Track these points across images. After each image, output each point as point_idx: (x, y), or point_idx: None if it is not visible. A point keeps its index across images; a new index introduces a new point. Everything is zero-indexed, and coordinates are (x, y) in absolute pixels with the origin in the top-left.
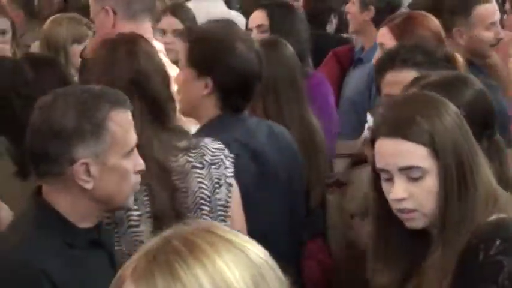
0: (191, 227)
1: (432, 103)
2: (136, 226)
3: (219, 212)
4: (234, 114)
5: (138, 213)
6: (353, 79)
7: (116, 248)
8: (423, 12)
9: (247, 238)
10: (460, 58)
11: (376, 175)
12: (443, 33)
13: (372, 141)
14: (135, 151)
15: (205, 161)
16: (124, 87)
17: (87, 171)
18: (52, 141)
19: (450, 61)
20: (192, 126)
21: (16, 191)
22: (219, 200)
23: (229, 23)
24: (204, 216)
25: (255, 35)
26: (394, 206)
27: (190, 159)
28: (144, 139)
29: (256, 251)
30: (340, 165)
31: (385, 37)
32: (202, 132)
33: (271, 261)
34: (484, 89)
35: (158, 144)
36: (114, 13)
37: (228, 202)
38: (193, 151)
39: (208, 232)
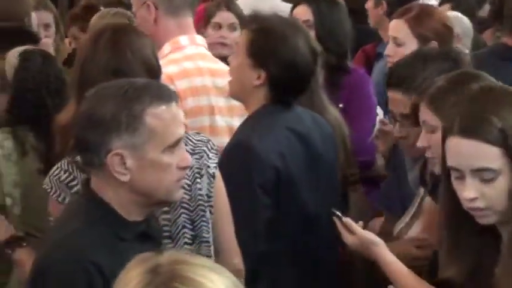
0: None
1: (505, 98)
2: None
3: (199, 202)
4: (282, 105)
5: None
6: (374, 73)
7: None
8: (434, 5)
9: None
10: (467, 58)
11: (447, 171)
12: (452, 27)
13: (443, 138)
14: (181, 146)
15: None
16: (104, 77)
17: (124, 164)
18: (91, 132)
19: (458, 62)
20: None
21: (40, 188)
22: (200, 189)
23: (292, 19)
24: (184, 205)
25: None
26: (466, 205)
27: None
28: None
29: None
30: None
31: (396, 30)
32: (253, 120)
33: None
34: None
35: None
36: (156, 8)
37: (210, 192)
38: None
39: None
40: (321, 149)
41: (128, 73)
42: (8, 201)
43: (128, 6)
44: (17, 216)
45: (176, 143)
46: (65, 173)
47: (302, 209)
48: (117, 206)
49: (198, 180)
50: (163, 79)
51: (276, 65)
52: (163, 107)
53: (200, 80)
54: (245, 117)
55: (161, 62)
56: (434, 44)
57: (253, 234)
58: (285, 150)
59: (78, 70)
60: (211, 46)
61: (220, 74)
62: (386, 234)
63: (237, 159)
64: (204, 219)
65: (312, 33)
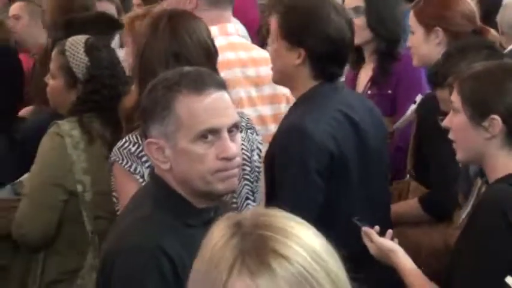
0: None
1: None
2: None
3: (256, 173)
4: (330, 83)
5: None
6: None
7: None
8: None
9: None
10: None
11: None
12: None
13: None
14: (222, 135)
15: (242, 125)
16: (163, 59)
17: (163, 152)
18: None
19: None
20: (283, 105)
21: (108, 176)
22: (255, 161)
23: None
24: (246, 176)
25: None
26: None
27: None
28: None
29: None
30: None
31: (411, 20)
32: (304, 103)
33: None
34: None
35: None
36: None
37: (260, 164)
38: None
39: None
40: (372, 138)
41: (188, 57)
42: (79, 187)
43: None
44: (88, 202)
45: (211, 133)
46: (134, 145)
47: (353, 195)
48: (183, 193)
49: (253, 153)
50: None
51: (313, 38)
52: (195, 96)
53: (230, 73)
54: (275, 104)
55: None
56: (437, 29)
57: (308, 219)
58: (338, 133)
59: (139, 57)
60: None
61: (251, 62)
62: None
63: (291, 143)
64: (260, 190)
65: (363, 20)
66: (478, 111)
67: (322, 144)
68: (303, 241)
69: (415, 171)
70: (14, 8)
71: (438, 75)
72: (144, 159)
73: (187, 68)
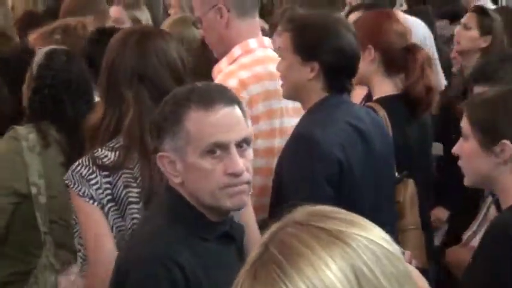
0: (289, 221)
1: None
2: (136, 203)
3: None
4: (338, 95)
5: (137, 190)
6: None
7: (120, 224)
8: None
9: (351, 219)
10: None
11: None
12: None
13: None
14: (231, 152)
15: None
16: (128, 78)
17: (175, 166)
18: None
19: None
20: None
21: (61, 181)
22: None
23: (326, 12)
24: None
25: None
26: None
27: None
28: (139, 126)
29: (362, 235)
30: None
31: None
32: (313, 113)
33: (384, 243)
34: None
35: None
36: (228, 11)
37: None
38: None
39: (305, 226)
40: (379, 148)
41: (153, 79)
42: (34, 190)
43: None
44: (42, 204)
45: (219, 148)
46: (85, 168)
47: (360, 203)
48: (198, 206)
49: None
50: (236, 84)
51: (326, 52)
52: (203, 111)
53: (272, 84)
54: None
55: (232, 67)
56: (370, 47)
57: None
58: (346, 142)
59: (106, 72)
60: None
61: None
62: None
63: (300, 152)
64: None
65: None
66: (489, 137)
67: (330, 152)
68: (310, 276)
69: None
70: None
71: (480, 73)
72: (92, 182)
73: (198, 83)
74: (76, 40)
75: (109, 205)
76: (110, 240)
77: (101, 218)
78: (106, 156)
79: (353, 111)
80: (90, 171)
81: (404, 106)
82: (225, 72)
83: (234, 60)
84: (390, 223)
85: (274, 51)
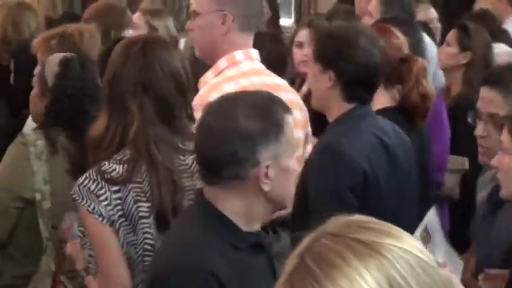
0: (324, 232)
1: None
2: (146, 217)
3: None
4: (363, 107)
5: (147, 204)
6: None
7: (131, 238)
8: None
9: (385, 229)
10: None
11: None
12: None
13: None
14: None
15: None
16: (132, 88)
17: (266, 174)
18: (240, 145)
19: None
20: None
21: (67, 188)
22: None
23: (355, 22)
24: None
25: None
26: None
27: None
28: (144, 137)
29: (397, 245)
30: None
31: None
32: (337, 123)
33: (418, 253)
34: None
35: (163, 144)
36: (232, 20)
37: None
38: None
39: (340, 238)
40: (403, 162)
41: (156, 89)
42: (38, 196)
43: None
44: (45, 210)
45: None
46: (93, 183)
47: (384, 215)
48: (235, 217)
49: None
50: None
51: (342, 62)
52: (290, 115)
53: None
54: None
55: (217, 79)
56: None
57: None
58: (371, 154)
59: (108, 83)
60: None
61: (275, 88)
62: None
63: (325, 162)
64: None
65: None
66: None
67: (356, 163)
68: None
69: None
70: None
71: (493, 75)
72: (101, 198)
73: (257, 90)
74: (71, 47)
75: (120, 220)
76: (120, 258)
77: (110, 236)
78: (114, 169)
79: (378, 124)
80: (99, 186)
81: (402, 117)
82: (210, 84)
83: (220, 72)
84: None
85: None
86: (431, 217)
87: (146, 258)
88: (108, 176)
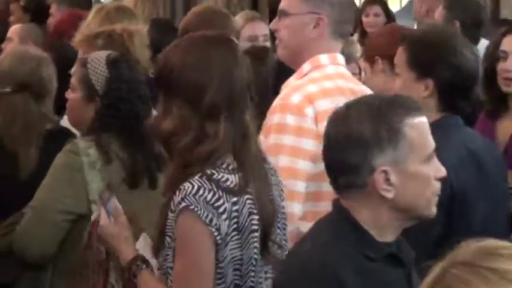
0: (454, 261)
1: None
2: (256, 231)
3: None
4: (455, 117)
5: (257, 217)
6: None
7: (235, 254)
8: None
9: None
10: None
11: None
12: None
13: None
14: (435, 157)
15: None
16: (245, 89)
17: (387, 180)
18: (352, 151)
19: None
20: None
21: (121, 197)
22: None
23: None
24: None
25: None
26: None
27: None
28: (249, 148)
29: None
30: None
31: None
32: None
33: None
34: None
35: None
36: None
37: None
38: None
39: (470, 267)
40: (491, 171)
41: (241, 102)
42: (94, 207)
43: None
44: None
45: (433, 154)
46: (209, 193)
47: (472, 228)
48: (368, 226)
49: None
50: (299, 101)
51: (442, 69)
52: (418, 118)
53: (343, 100)
54: None
55: (301, 81)
56: (377, 58)
57: (424, 252)
58: (460, 167)
59: (218, 86)
60: None
61: (361, 94)
62: None
63: None
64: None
65: None
66: None
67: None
68: None
69: None
70: None
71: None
72: (220, 210)
73: (379, 94)
74: (119, 48)
75: (232, 234)
76: (211, 283)
77: (213, 259)
78: (227, 179)
79: (469, 135)
80: (216, 196)
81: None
82: (292, 86)
83: (304, 75)
84: None
85: None
86: None
87: (252, 274)
88: (225, 186)
